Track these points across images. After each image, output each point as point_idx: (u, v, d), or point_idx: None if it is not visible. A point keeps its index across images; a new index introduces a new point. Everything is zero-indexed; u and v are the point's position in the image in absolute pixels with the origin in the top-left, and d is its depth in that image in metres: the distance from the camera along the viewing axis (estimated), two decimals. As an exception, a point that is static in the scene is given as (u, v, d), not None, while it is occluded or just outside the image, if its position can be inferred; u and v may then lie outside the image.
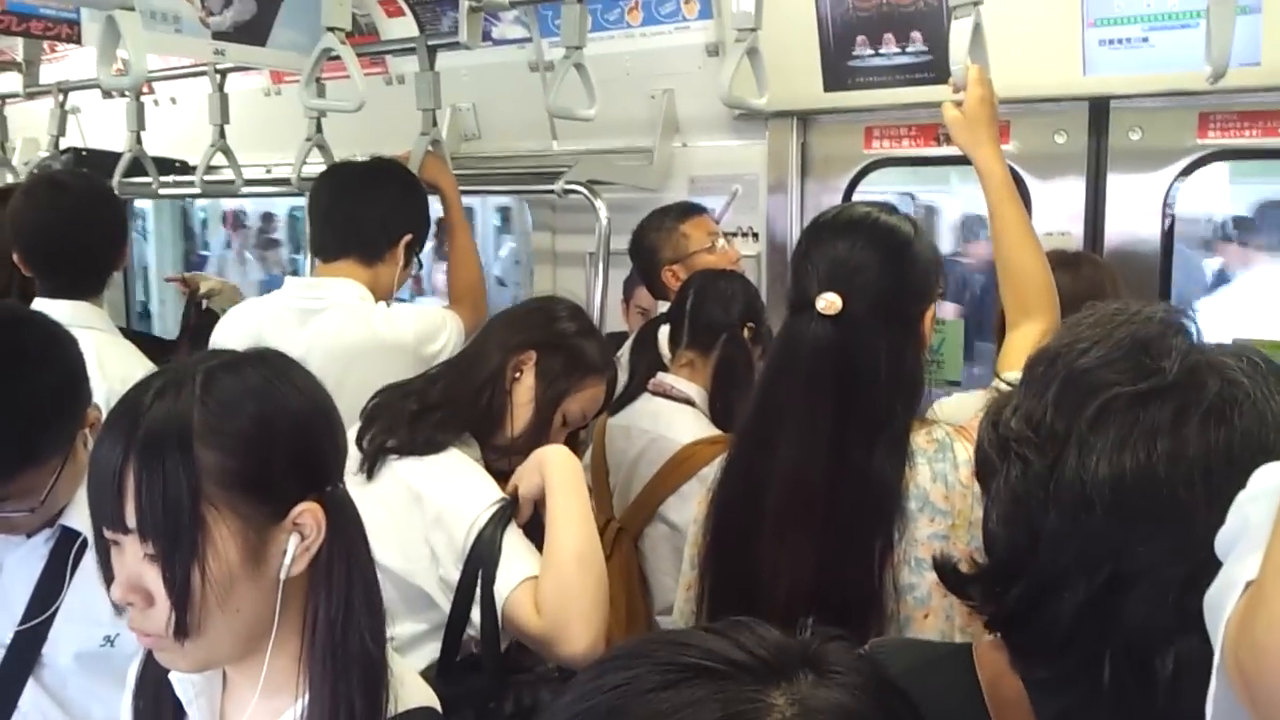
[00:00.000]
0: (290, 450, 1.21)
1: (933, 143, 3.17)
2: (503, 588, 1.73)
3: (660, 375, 2.58)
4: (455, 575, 1.77)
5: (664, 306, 2.95)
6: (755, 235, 3.46)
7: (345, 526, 1.24)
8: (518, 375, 1.99)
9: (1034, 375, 1.05)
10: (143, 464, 1.13)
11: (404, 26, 3.56)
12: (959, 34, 1.99)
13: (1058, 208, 2.98)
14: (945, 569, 1.13)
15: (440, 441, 1.90)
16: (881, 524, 1.54)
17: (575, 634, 1.66)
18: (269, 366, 1.25)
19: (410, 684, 1.30)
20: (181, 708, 1.30)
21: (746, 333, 2.54)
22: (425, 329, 2.51)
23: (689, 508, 2.05)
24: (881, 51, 3.00)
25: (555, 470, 1.79)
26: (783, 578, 1.57)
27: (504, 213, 9.22)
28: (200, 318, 3.93)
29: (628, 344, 3.05)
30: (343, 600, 1.21)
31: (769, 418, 1.66)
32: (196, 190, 3.91)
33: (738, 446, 1.77)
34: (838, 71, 3.09)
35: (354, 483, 1.73)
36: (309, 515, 1.19)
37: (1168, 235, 2.88)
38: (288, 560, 1.18)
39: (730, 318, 2.53)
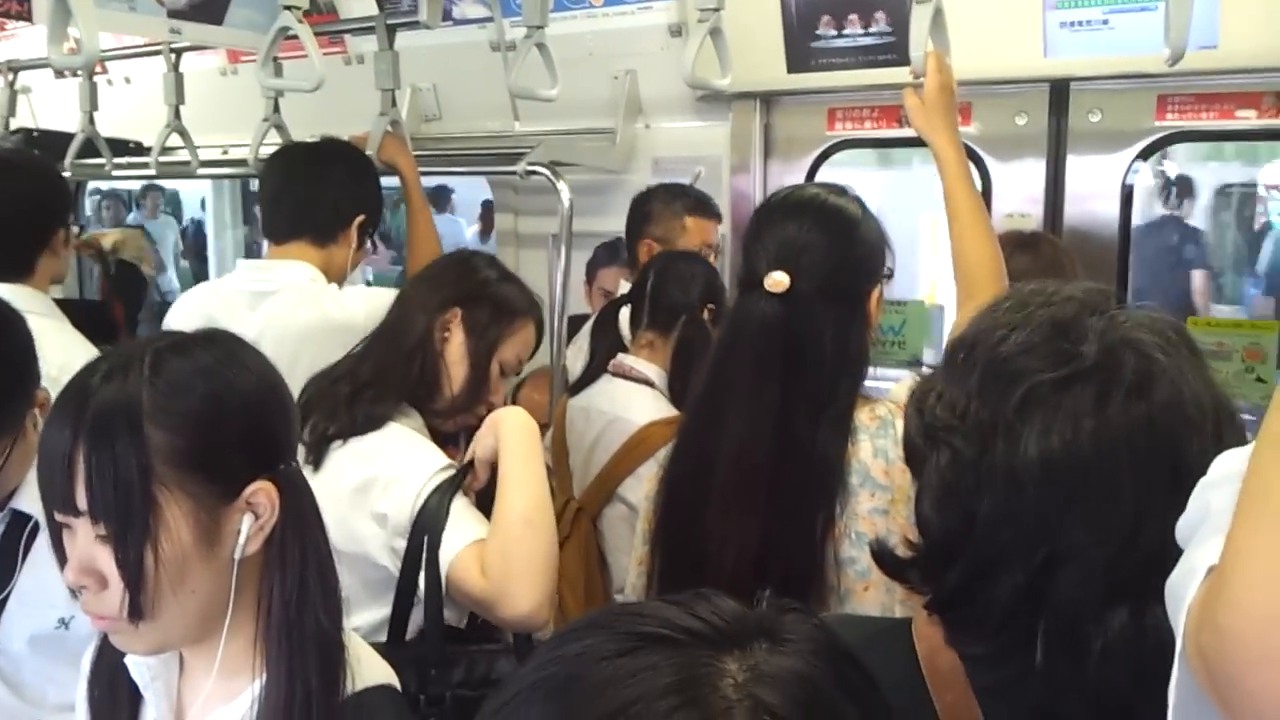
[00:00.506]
0: (241, 429, 1.20)
1: (895, 124, 3.18)
2: (448, 552, 1.72)
3: (620, 356, 2.58)
4: (402, 544, 1.76)
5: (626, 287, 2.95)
6: (719, 217, 3.46)
7: (299, 505, 1.23)
8: (446, 335, 1.97)
9: (955, 362, 1.07)
10: (92, 446, 1.12)
11: (363, 5, 3.52)
12: (920, 17, 2.00)
13: (1018, 189, 3.00)
14: (883, 554, 1.15)
15: (379, 416, 1.88)
16: (824, 498, 1.58)
17: (519, 594, 1.64)
18: (219, 347, 1.25)
19: (368, 662, 1.30)
20: (138, 693, 1.29)
21: (706, 314, 2.54)
22: (377, 309, 2.45)
23: (646, 487, 2.05)
24: (845, 33, 3.00)
25: (508, 433, 1.78)
26: (729, 551, 1.60)
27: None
28: (121, 271, 3.89)
29: (588, 325, 3.04)
30: (297, 579, 1.20)
31: (718, 394, 1.69)
32: (151, 172, 3.85)
33: (688, 422, 1.80)
34: (801, 52, 3.09)
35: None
36: (262, 494, 1.19)
37: (1125, 216, 2.91)
38: (242, 540, 1.18)
39: (690, 299, 2.54)
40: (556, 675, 0.66)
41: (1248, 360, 2.85)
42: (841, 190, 1.77)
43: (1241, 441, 0.92)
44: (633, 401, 2.50)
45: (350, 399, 1.89)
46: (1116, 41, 2.69)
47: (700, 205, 3.04)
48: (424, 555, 1.74)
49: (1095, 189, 2.91)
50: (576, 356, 3.00)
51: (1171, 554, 0.94)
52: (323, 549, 1.25)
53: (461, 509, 1.76)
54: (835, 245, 1.65)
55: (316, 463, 1.86)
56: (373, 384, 1.91)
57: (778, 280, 1.60)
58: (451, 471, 1.81)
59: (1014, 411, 0.98)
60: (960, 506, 1.01)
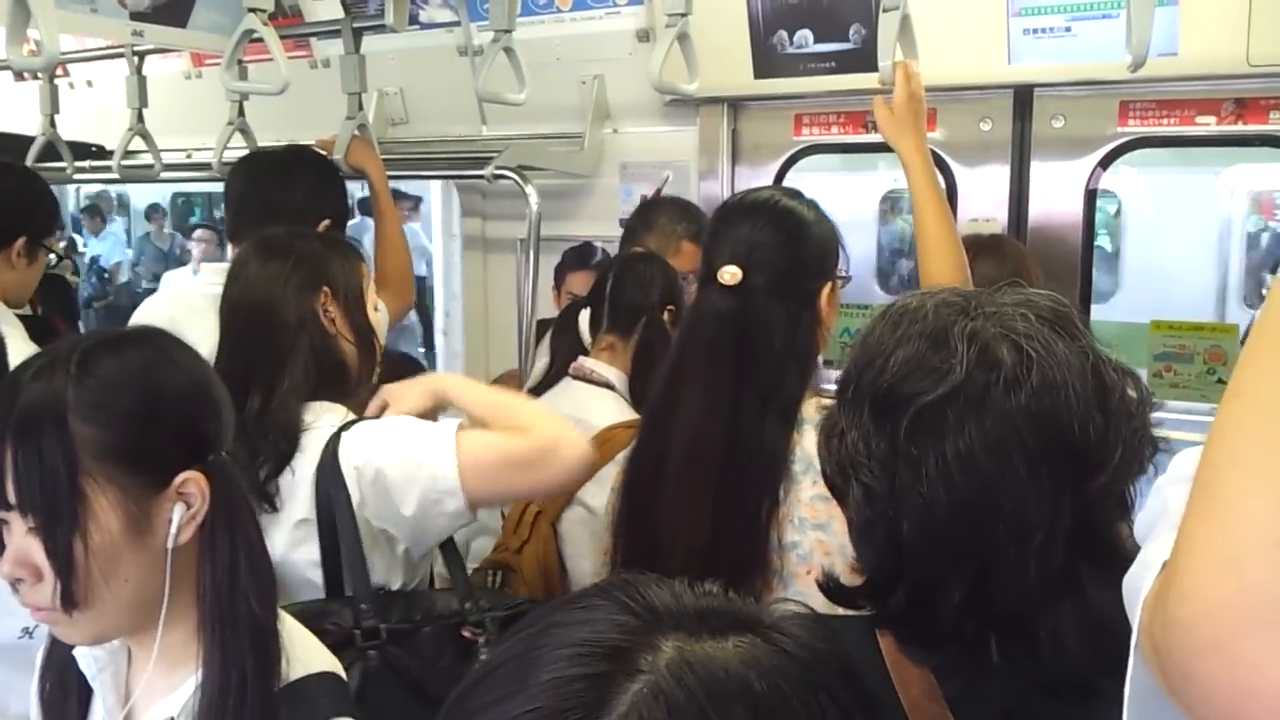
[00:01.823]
0: (169, 424, 1.23)
1: (861, 130, 3.20)
2: (443, 447, 1.72)
3: (581, 359, 2.57)
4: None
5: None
6: (687, 221, 3.46)
7: (229, 495, 1.26)
8: (330, 314, 1.91)
9: (846, 399, 1.11)
10: (19, 441, 1.16)
11: (329, 8, 3.50)
12: (888, 25, 2.02)
13: (983, 194, 3.03)
14: (830, 586, 1.17)
15: (291, 427, 1.81)
16: (768, 485, 1.63)
17: (567, 434, 1.73)
18: (147, 343, 1.28)
19: (306, 647, 1.33)
20: (89, 685, 1.31)
21: (666, 315, 2.54)
22: None
23: (606, 492, 2.07)
24: (812, 39, 3.02)
25: (456, 388, 1.88)
26: (680, 536, 1.65)
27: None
28: (46, 283, 3.84)
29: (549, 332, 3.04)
30: (227, 567, 1.23)
31: (674, 386, 1.76)
32: (114, 175, 3.81)
33: (647, 414, 1.87)
34: (768, 58, 3.10)
35: (268, 520, 1.75)
36: (193, 484, 1.22)
37: (1088, 220, 2.94)
38: (173, 529, 1.21)
39: (649, 300, 2.53)
40: (531, 620, 0.69)
41: (1209, 362, 2.89)
42: (796, 194, 1.84)
43: (1141, 401, 1.03)
44: (593, 405, 2.49)
45: (259, 424, 1.79)
46: (1079, 49, 2.72)
47: (699, 231, 3.01)
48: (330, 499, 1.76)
49: (1059, 194, 2.94)
50: (539, 358, 2.99)
51: (1099, 530, 0.97)
52: (253, 537, 1.28)
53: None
54: (786, 243, 1.73)
55: (273, 503, 1.80)
56: (272, 401, 1.81)
57: (732, 273, 1.67)
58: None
59: (906, 439, 1.02)
60: (886, 537, 1.05)
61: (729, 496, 1.64)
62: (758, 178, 3.39)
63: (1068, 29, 2.72)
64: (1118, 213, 6.24)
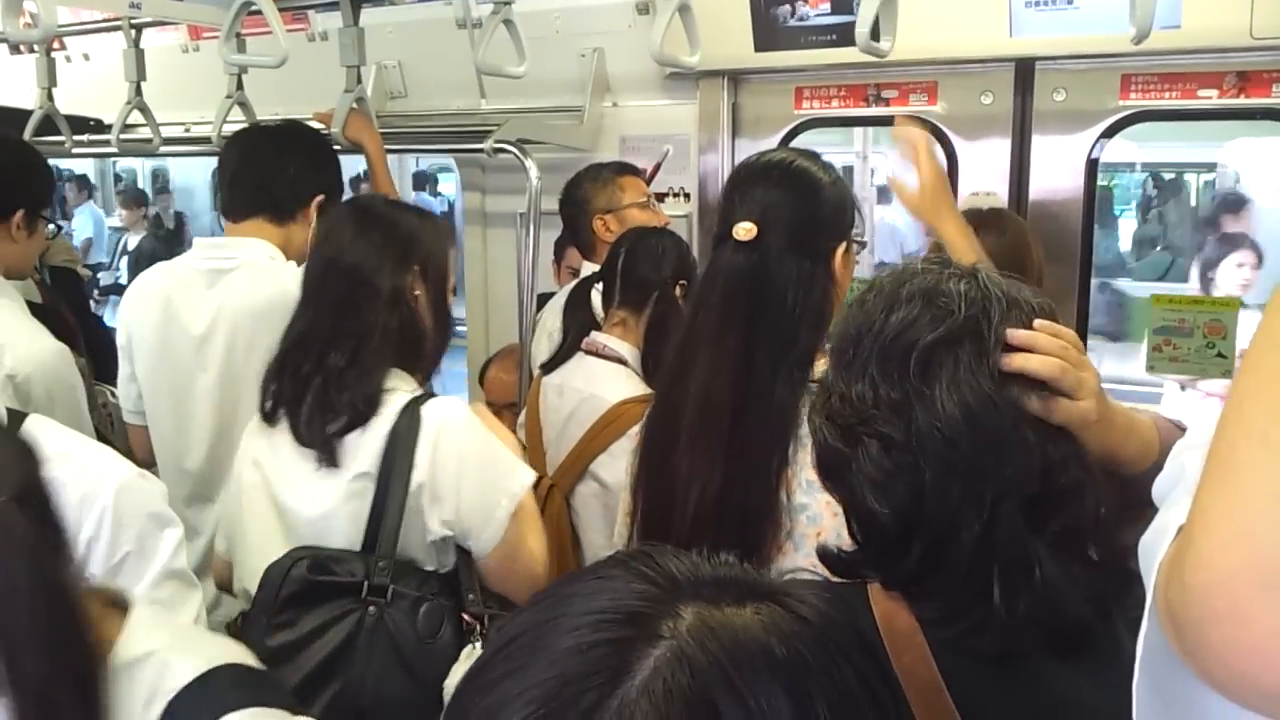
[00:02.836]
0: None
1: (862, 103, 3.19)
2: (504, 515, 1.90)
3: (593, 335, 2.57)
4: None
5: (590, 266, 2.94)
6: (687, 195, 3.46)
7: (3, 550, 1.10)
8: (416, 293, 1.98)
9: (846, 360, 1.15)
10: None
11: (327, -19, 3.48)
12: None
13: (983, 168, 3.02)
14: (828, 557, 1.22)
15: (375, 394, 1.88)
16: (779, 444, 1.63)
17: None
18: None
19: (200, 651, 1.23)
20: None
21: (679, 290, 2.54)
22: None
23: (619, 466, 2.09)
24: (812, 12, 3.00)
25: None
26: (694, 490, 1.66)
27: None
28: (57, 277, 3.85)
29: (553, 302, 3.04)
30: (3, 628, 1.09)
31: (689, 343, 1.77)
32: (113, 149, 3.79)
33: (664, 372, 1.88)
34: (768, 31, 3.09)
35: (316, 476, 1.86)
36: None
37: (1089, 194, 2.94)
38: None
39: (661, 275, 2.53)
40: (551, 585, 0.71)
41: (1209, 336, 2.89)
42: (811, 155, 1.83)
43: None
44: (607, 380, 2.50)
45: (339, 383, 1.87)
46: (1081, 21, 2.70)
47: (622, 167, 3.08)
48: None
49: (1060, 167, 2.94)
50: (540, 337, 2.99)
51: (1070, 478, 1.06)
52: (38, 595, 1.11)
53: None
54: (801, 200, 1.73)
55: (332, 455, 1.86)
56: (355, 361, 1.89)
57: (747, 229, 1.68)
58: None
59: (918, 379, 1.08)
60: (907, 487, 1.08)
61: (740, 448, 1.65)
62: (758, 151, 3.37)
63: (1070, 1, 2.70)
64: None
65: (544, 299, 3.17)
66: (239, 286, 2.42)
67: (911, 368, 1.08)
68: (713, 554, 0.71)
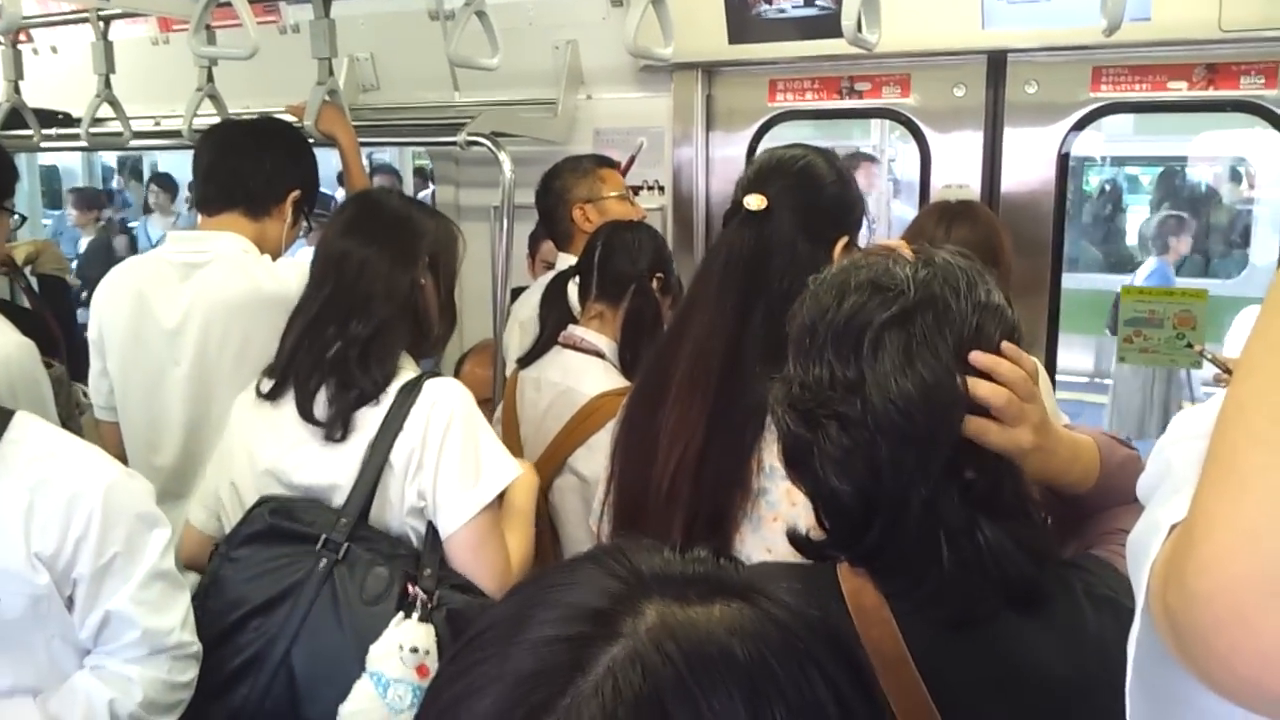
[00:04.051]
0: None
1: (836, 95, 3.20)
2: (481, 499, 1.93)
3: (570, 328, 2.57)
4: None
5: (565, 259, 2.94)
6: (661, 188, 3.46)
7: None
8: (424, 282, 2.08)
9: (803, 349, 1.20)
10: None
11: (298, -27, 3.45)
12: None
13: (956, 160, 3.03)
14: (798, 540, 1.27)
15: (391, 371, 1.98)
16: (756, 413, 1.67)
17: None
18: None
19: None
20: None
21: (655, 283, 2.54)
22: None
23: (597, 459, 2.10)
24: (786, 4, 3.01)
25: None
26: (676, 446, 1.71)
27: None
28: (46, 285, 3.80)
29: (526, 295, 3.03)
30: None
31: (690, 304, 1.84)
32: (83, 144, 3.75)
33: (665, 334, 1.95)
34: (742, 23, 3.09)
35: (323, 449, 1.95)
36: None
37: (1060, 186, 2.96)
38: None
39: (638, 268, 2.53)
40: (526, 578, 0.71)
41: (1179, 327, 2.92)
42: (829, 153, 1.91)
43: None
44: (584, 373, 2.49)
45: (361, 362, 1.96)
46: (1052, 14, 2.72)
47: (601, 159, 3.08)
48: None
49: (1032, 159, 2.95)
50: (513, 331, 2.98)
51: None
52: None
53: None
54: (810, 184, 1.80)
55: (345, 428, 1.94)
56: (375, 342, 1.99)
57: (757, 200, 1.74)
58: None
59: (870, 356, 1.13)
60: (865, 462, 1.13)
61: (723, 410, 1.71)
62: (732, 144, 3.38)
63: (1041, -6, 2.72)
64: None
65: (517, 293, 3.16)
66: (212, 280, 2.41)
67: (865, 347, 1.13)
68: (686, 549, 0.70)
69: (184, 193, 9.72)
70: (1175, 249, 6.51)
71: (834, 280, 1.21)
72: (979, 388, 1.14)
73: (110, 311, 2.50)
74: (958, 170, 3.02)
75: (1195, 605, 0.63)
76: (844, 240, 1.80)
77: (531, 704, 0.61)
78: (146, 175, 11.11)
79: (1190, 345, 2.88)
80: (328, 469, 1.95)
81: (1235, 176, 9.61)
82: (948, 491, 1.13)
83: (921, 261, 1.19)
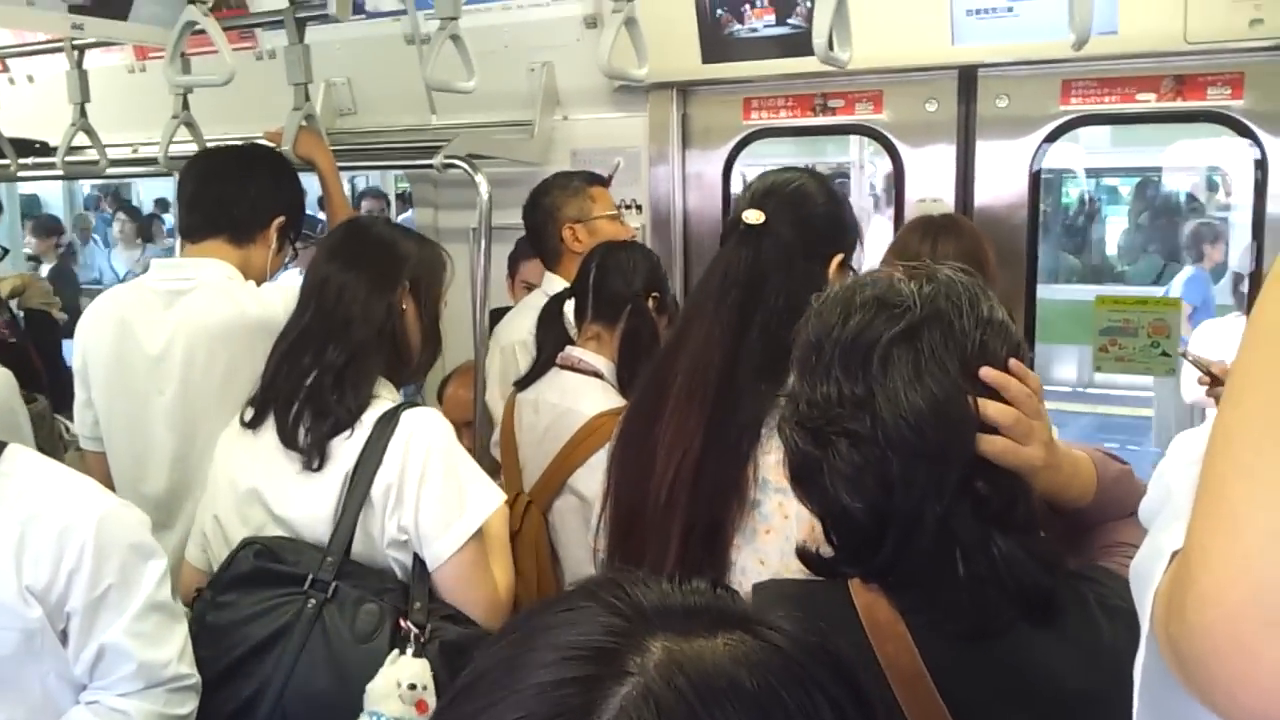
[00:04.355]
0: None
1: (810, 113, 3.22)
2: (466, 529, 1.91)
3: (568, 349, 2.56)
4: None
5: (552, 279, 2.94)
6: (639, 207, 3.47)
7: None
8: (404, 307, 2.07)
9: (810, 367, 1.20)
10: None
11: (274, -1, 3.47)
12: (824, 6, 2.03)
13: (929, 174, 3.06)
14: (808, 557, 1.26)
15: (366, 399, 1.97)
16: (751, 424, 1.70)
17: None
18: None
19: None
20: None
21: (651, 302, 2.54)
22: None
23: (597, 478, 2.09)
24: (759, 23, 3.03)
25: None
26: (674, 455, 1.73)
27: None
28: (31, 320, 3.79)
29: (508, 320, 3.03)
30: None
31: (687, 317, 1.87)
32: (59, 172, 3.75)
33: (663, 348, 1.98)
34: (715, 43, 3.11)
35: (300, 478, 1.92)
36: None
37: (1034, 198, 2.98)
38: None
39: (633, 289, 2.53)
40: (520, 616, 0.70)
41: (1153, 335, 2.94)
42: (824, 178, 1.97)
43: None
44: (583, 393, 2.49)
45: (336, 389, 1.95)
46: (1022, 28, 2.75)
47: (592, 177, 3.07)
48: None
49: (1005, 172, 2.98)
50: (494, 356, 2.97)
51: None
52: None
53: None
54: (807, 203, 1.83)
55: (322, 458, 1.92)
56: (350, 369, 1.97)
57: (755, 214, 1.76)
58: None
59: (879, 371, 1.13)
60: (877, 479, 1.13)
61: (720, 419, 1.73)
62: (708, 162, 3.41)
63: (1010, 9, 2.75)
64: None
65: (497, 314, 3.17)
66: (196, 307, 2.40)
67: (874, 364, 1.13)
68: (684, 581, 0.70)
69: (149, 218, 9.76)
70: (1211, 256, 6.56)
71: (838, 298, 1.21)
72: (988, 408, 1.15)
73: (94, 340, 2.49)
74: (932, 184, 3.05)
75: (1196, 637, 0.65)
76: (839, 258, 1.83)
77: None
78: (135, 202, 11.16)
79: (1165, 354, 2.91)
80: (306, 500, 1.94)
81: (1212, 185, 9.71)
82: (961, 507, 1.13)
83: (925, 278, 1.20)
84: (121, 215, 9.90)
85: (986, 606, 1.13)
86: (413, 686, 1.77)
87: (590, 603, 0.67)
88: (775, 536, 1.70)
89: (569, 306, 2.65)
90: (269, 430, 1.98)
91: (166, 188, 9.85)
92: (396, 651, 1.81)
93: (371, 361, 2.00)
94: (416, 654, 1.81)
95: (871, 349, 1.14)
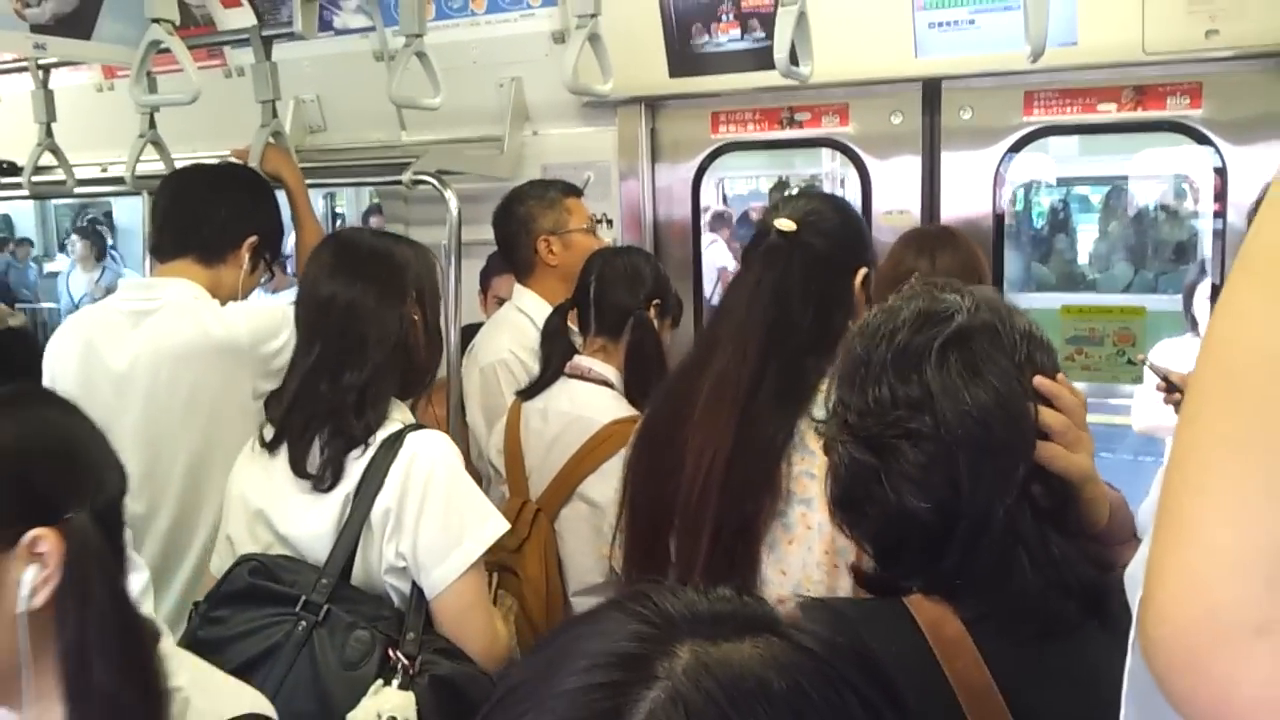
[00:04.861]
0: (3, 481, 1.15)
1: (777, 126, 3.25)
2: (467, 559, 1.87)
3: (576, 359, 2.56)
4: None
5: (524, 293, 2.94)
6: (610, 221, 3.48)
7: (81, 559, 1.16)
8: (415, 318, 2.02)
9: (857, 379, 1.20)
10: None
11: (241, 17, 3.45)
12: (785, 20, 2.06)
13: (895, 186, 3.08)
14: (867, 578, 1.29)
15: (383, 414, 1.94)
16: (786, 420, 1.74)
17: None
18: None
19: (217, 696, 1.29)
20: None
21: (653, 310, 2.54)
22: (262, 327, 2.42)
23: (610, 485, 2.11)
24: (724, 37, 3.06)
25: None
26: (705, 456, 1.75)
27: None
28: (6, 335, 3.78)
29: (483, 337, 3.03)
30: (76, 633, 1.15)
31: (718, 321, 1.91)
32: (25, 192, 3.73)
33: (689, 354, 2.00)
34: (683, 57, 3.13)
35: (307, 497, 1.89)
36: (45, 543, 1.14)
37: (998, 209, 3.01)
38: (24, 592, 1.13)
39: (635, 299, 2.53)
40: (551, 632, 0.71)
41: (1119, 344, 2.97)
42: (836, 196, 2.04)
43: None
44: (594, 401, 2.48)
45: (358, 408, 1.91)
46: (983, 40, 2.78)
47: (568, 188, 3.04)
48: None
49: (970, 183, 3.01)
50: (471, 375, 2.96)
51: None
52: (106, 605, 1.18)
53: None
54: (836, 215, 1.90)
55: (335, 477, 1.89)
56: (370, 388, 1.93)
57: (787, 223, 1.81)
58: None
59: (935, 369, 1.14)
60: (944, 479, 1.13)
61: (751, 418, 1.76)
62: (677, 176, 3.42)
63: (971, 21, 2.78)
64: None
65: (469, 330, 3.17)
66: (161, 328, 2.40)
67: (928, 365, 1.15)
68: (710, 588, 0.71)
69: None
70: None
71: (882, 313, 1.23)
72: (1043, 413, 1.16)
73: (61, 360, 2.48)
74: (898, 196, 3.07)
75: (1156, 651, 0.66)
76: (864, 271, 1.89)
77: None
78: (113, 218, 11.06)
79: (1131, 362, 2.93)
80: (309, 518, 1.90)
81: (1180, 193, 9.80)
82: (1022, 507, 1.14)
83: (962, 293, 1.22)
84: (76, 238, 9.80)
85: (1053, 606, 1.14)
86: (393, 719, 1.73)
87: (617, 613, 0.68)
88: (797, 547, 1.72)
89: (571, 316, 2.65)
90: (283, 454, 1.94)
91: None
92: (380, 681, 1.77)
93: (390, 379, 1.96)
94: (403, 686, 1.77)
95: (924, 352, 1.15)
